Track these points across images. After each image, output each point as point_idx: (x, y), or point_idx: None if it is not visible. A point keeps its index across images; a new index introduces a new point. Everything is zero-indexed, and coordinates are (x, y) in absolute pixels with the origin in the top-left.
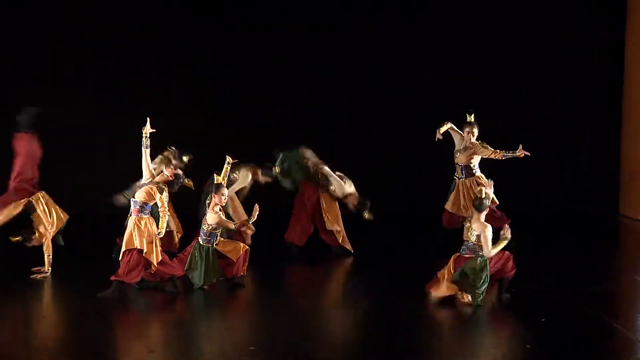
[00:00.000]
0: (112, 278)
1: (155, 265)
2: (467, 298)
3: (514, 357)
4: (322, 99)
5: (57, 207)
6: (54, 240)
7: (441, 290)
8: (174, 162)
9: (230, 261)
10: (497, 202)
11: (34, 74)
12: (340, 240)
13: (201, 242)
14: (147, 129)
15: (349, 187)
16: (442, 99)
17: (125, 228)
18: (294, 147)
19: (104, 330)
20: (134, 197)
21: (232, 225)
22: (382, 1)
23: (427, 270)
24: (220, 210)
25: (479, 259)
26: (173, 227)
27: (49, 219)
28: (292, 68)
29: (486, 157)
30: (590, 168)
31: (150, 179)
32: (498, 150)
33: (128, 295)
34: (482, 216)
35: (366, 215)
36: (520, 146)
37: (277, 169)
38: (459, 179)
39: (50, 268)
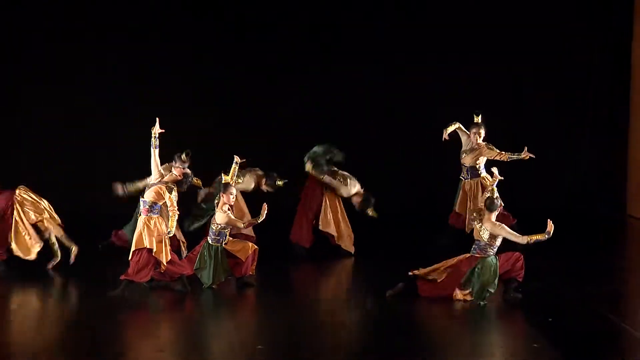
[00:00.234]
0: (122, 277)
1: (165, 264)
2: (464, 295)
3: (521, 356)
4: (322, 99)
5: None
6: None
7: (458, 295)
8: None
9: (239, 260)
10: (502, 204)
11: (34, 74)
12: (337, 241)
13: (210, 242)
14: (157, 129)
15: (354, 188)
16: (442, 99)
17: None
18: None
19: (114, 330)
20: (143, 197)
21: (241, 224)
22: (382, 1)
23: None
24: (229, 209)
25: (489, 259)
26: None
27: (41, 206)
28: (292, 68)
29: (492, 158)
30: (596, 168)
31: (159, 179)
32: (503, 152)
33: (137, 295)
34: (494, 216)
35: (370, 212)
36: (526, 148)
37: (306, 161)
38: (465, 179)
39: (59, 255)
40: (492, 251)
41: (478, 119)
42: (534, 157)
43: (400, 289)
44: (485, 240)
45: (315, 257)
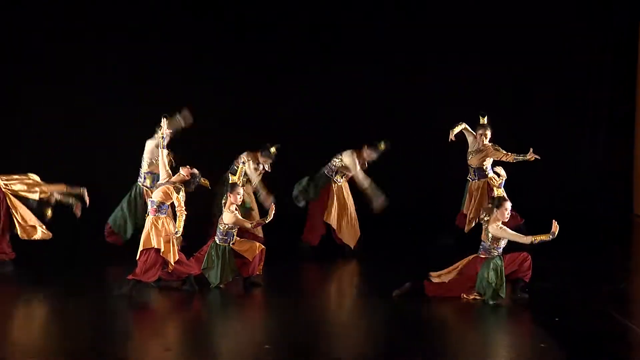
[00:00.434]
0: (129, 277)
1: (173, 264)
2: (473, 296)
3: (528, 356)
4: (322, 99)
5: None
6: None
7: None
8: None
9: (246, 260)
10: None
11: (34, 74)
12: (337, 234)
13: (217, 242)
14: (165, 130)
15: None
16: (442, 99)
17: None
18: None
19: (121, 329)
20: (151, 197)
21: (248, 225)
22: (382, 1)
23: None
24: (236, 209)
25: (493, 260)
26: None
27: (30, 181)
28: (292, 68)
29: (498, 159)
30: (600, 168)
31: (167, 179)
32: (509, 153)
33: (145, 294)
34: (507, 213)
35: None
36: (531, 149)
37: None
38: (472, 180)
39: (76, 200)
40: (496, 252)
41: (484, 120)
42: (540, 158)
43: (407, 289)
44: (490, 241)
45: (321, 257)
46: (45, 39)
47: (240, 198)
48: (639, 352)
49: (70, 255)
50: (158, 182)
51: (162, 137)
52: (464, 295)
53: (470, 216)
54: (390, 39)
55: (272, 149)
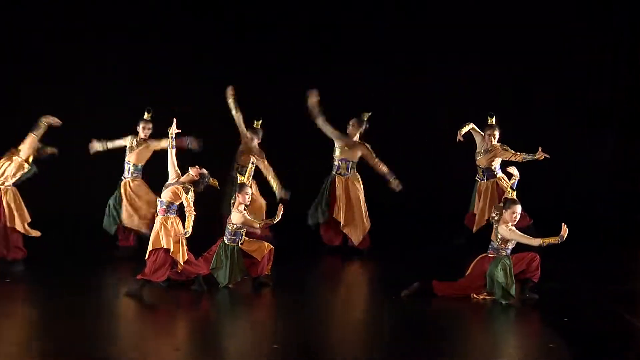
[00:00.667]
0: (139, 277)
1: (182, 264)
2: (483, 295)
3: (537, 356)
4: (322, 99)
5: None
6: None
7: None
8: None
9: (255, 260)
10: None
11: (34, 74)
12: (343, 229)
13: (226, 242)
14: (173, 130)
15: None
16: (442, 99)
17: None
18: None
19: (130, 328)
20: (160, 197)
21: (256, 225)
22: (382, 1)
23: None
24: (244, 209)
25: (502, 260)
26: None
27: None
28: (292, 68)
29: (507, 159)
30: (607, 168)
31: (176, 179)
32: (518, 153)
33: (154, 294)
34: (516, 215)
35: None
36: (540, 148)
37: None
38: (481, 180)
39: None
40: (505, 252)
41: (492, 121)
42: (549, 157)
43: (416, 289)
44: (499, 241)
45: (330, 257)
46: (45, 39)
47: (248, 198)
48: None
49: (78, 255)
50: (167, 182)
51: (171, 137)
52: (474, 295)
53: (479, 217)
54: (390, 39)
55: (257, 124)
